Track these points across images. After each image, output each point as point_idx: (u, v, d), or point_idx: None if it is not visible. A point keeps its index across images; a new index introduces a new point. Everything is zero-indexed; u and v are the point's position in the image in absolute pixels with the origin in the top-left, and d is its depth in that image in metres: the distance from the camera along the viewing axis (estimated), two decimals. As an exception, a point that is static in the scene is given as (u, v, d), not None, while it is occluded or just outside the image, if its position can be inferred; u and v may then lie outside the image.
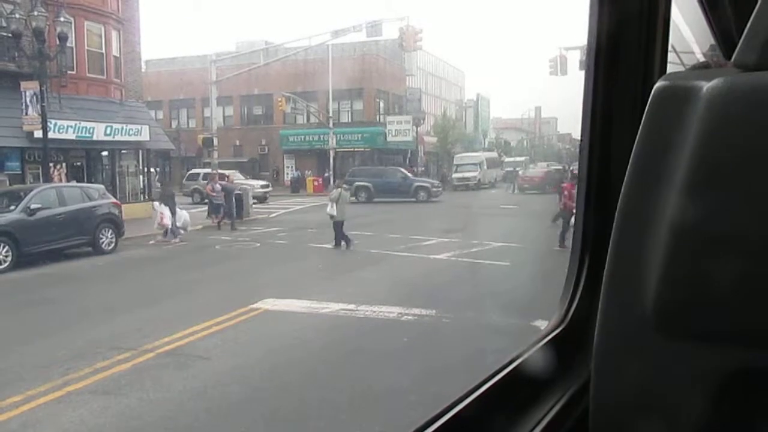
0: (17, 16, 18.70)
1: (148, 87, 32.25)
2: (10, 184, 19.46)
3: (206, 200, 24.55)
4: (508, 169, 45.67)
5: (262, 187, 33.33)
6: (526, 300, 9.36)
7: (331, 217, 16.25)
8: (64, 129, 21.10)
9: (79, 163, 23.15)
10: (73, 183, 19.66)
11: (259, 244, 17.63)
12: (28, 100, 19.97)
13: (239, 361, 7.53)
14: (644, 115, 0.88)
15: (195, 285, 12.20)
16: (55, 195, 16.12)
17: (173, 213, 18.50)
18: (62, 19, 19.54)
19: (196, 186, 32.41)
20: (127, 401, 6.27)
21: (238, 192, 23.31)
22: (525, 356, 1.36)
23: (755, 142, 0.76)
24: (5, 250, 13.95)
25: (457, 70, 62.56)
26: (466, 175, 39.07)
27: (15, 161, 20.95)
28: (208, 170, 30.32)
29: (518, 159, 51.81)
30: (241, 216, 22.71)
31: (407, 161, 43.81)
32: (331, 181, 39.05)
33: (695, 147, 0.80)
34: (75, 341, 8.19)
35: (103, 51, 23.68)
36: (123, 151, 24.72)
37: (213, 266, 14.81)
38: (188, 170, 41.59)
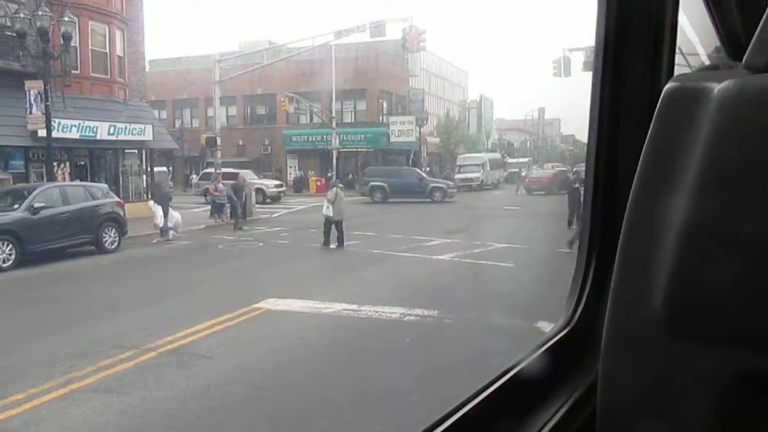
0: (22, 15, 18.72)
1: (151, 87, 32.29)
2: (14, 183, 19.51)
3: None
4: (512, 170, 45.70)
5: (276, 186, 33.32)
6: (529, 301, 9.35)
7: (327, 217, 16.29)
8: (68, 128, 21.13)
9: (82, 162, 23.18)
10: (77, 182, 19.70)
11: (261, 244, 17.65)
12: (32, 99, 20.02)
13: (242, 361, 7.54)
14: (654, 117, 0.88)
15: (198, 284, 12.22)
16: (59, 194, 16.14)
17: (165, 213, 18.56)
18: (66, 18, 19.58)
19: (209, 186, 32.27)
20: (129, 400, 6.27)
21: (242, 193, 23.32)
22: (532, 357, 1.35)
23: (766, 143, 0.76)
24: (9, 248, 13.98)
25: (460, 70, 62.58)
26: (469, 176, 39.07)
27: (19, 160, 20.99)
28: (226, 170, 30.32)
29: (521, 160, 51.85)
30: (244, 216, 22.72)
31: (410, 162, 43.82)
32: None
33: (706, 148, 0.79)
34: (78, 339, 8.21)
35: (107, 50, 23.71)
36: (126, 151, 24.74)
37: (216, 265, 14.82)
38: (191, 170, 41.66)
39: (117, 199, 17.91)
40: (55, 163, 20.24)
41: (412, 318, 9.11)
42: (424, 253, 14.98)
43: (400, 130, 43.02)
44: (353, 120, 43.68)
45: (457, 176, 39.78)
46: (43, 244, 14.62)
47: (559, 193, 31.44)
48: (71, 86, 21.63)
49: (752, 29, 0.82)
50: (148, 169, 26.07)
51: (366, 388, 6.47)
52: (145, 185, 25.64)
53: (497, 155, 49.73)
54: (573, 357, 1.41)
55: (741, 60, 0.85)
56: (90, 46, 23.05)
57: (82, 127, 21.81)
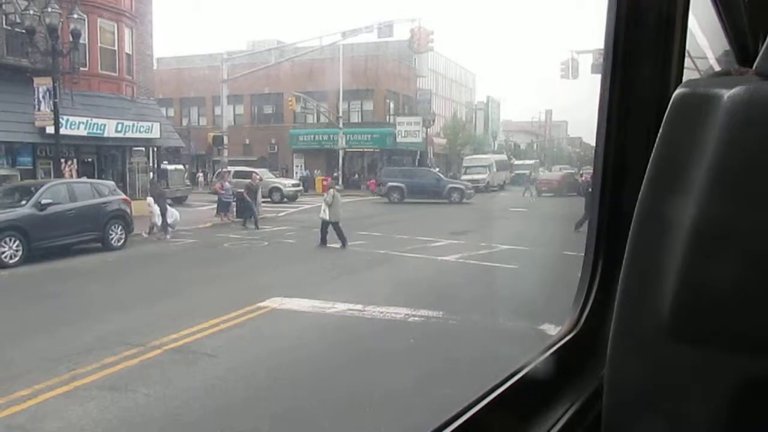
0: (31, 12, 18.81)
1: (159, 85, 32.40)
2: (21, 179, 19.61)
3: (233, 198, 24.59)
4: (518, 172, 45.63)
5: (293, 185, 33.30)
6: (533, 304, 9.33)
7: (324, 220, 16.33)
8: (76, 125, 21.23)
9: (90, 159, 23.28)
10: (84, 179, 19.77)
11: (267, 243, 17.67)
12: (40, 96, 20.12)
13: (245, 360, 7.55)
14: (663, 121, 0.88)
15: (203, 282, 12.24)
16: (66, 191, 16.20)
17: (164, 211, 18.62)
18: (75, 16, 19.68)
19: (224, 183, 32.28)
20: (133, 397, 6.29)
21: (240, 191, 23.35)
22: (537, 361, 1.35)
23: None
24: (16, 244, 14.04)
25: (467, 71, 62.53)
26: (475, 177, 39.02)
27: (27, 156, 21.11)
28: (243, 168, 30.35)
29: (527, 162, 51.74)
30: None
31: (416, 162, 43.82)
32: (340, 181, 39.17)
33: (715, 154, 0.79)
34: (83, 336, 8.23)
35: (116, 48, 23.81)
36: (134, 148, 24.83)
37: (221, 264, 14.85)
38: (198, 168, 41.76)
39: (124, 196, 17.96)
40: (62, 160, 20.33)
41: (416, 319, 9.10)
42: (430, 254, 14.97)
43: (407, 130, 43.02)
44: (360, 120, 43.69)
45: (464, 177, 39.72)
46: (49, 240, 14.69)
47: (568, 195, 31.61)
48: (79, 83, 21.75)
49: (761, 33, 0.82)
50: (155, 166, 26.17)
51: (370, 388, 6.46)
52: (150, 183, 25.73)
53: (504, 157, 49.67)
54: (579, 361, 1.41)
55: (749, 63, 0.84)
56: (99, 44, 23.15)
57: (90, 124, 21.90)
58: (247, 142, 44.01)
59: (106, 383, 6.60)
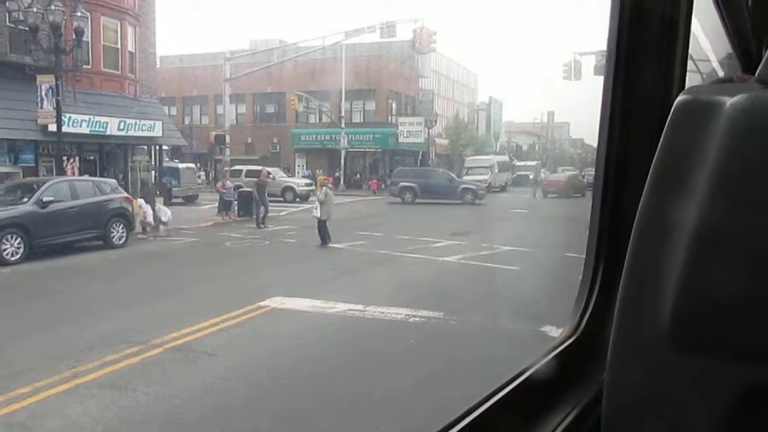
0: (35, 9, 18.83)
1: (162, 83, 32.39)
2: (23, 177, 19.62)
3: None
4: (520, 173, 45.61)
5: (306, 185, 33.27)
6: (534, 305, 9.32)
7: (317, 218, 16.35)
8: (78, 123, 21.23)
9: (92, 157, 23.28)
10: (86, 177, 19.77)
11: (268, 242, 17.68)
12: (43, 93, 20.12)
13: (245, 359, 7.55)
14: (665, 128, 0.87)
15: (204, 281, 12.25)
16: (68, 188, 16.21)
17: (154, 209, 18.65)
18: (79, 13, 19.67)
19: (238, 183, 32.24)
20: (134, 395, 6.30)
21: (249, 190, 23.37)
22: (538, 366, 1.35)
23: None
24: (17, 241, 14.06)
25: (470, 72, 62.50)
26: (477, 178, 38.97)
27: (29, 154, 21.11)
28: (254, 167, 30.28)
29: (530, 163, 51.70)
30: (251, 213, 22.75)
31: (418, 163, 43.81)
32: (342, 181, 39.19)
33: (717, 161, 0.79)
34: (84, 334, 8.24)
35: (119, 46, 23.82)
36: (136, 147, 24.85)
37: (222, 263, 14.85)
38: (199, 167, 41.77)
39: (125, 194, 17.98)
40: (64, 158, 20.34)
41: (417, 319, 9.10)
42: (431, 254, 14.97)
43: (409, 130, 42.99)
44: (362, 120, 43.67)
45: (465, 178, 39.68)
46: (51, 237, 14.70)
47: (573, 196, 31.73)
48: (82, 81, 21.74)
49: (764, 38, 0.82)
50: (157, 164, 26.19)
51: (370, 388, 6.46)
52: (153, 181, 25.77)
53: (506, 158, 49.60)
54: (579, 365, 1.40)
55: (752, 68, 0.84)
56: (102, 42, 23.16)
57: (93, 122, 21.91)
58: (249, 141, 44.00)
59: (106, 381, 6.60)
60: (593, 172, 1.81)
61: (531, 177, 41.69)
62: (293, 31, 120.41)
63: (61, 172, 19.61)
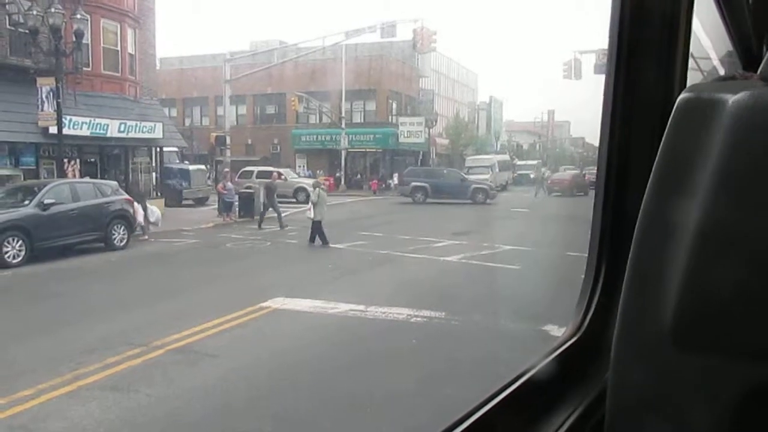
0: (34, 12, 18.84)
1: (162, 85, 32.42)
2: (24, 179, 19.63)
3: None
4: (521, 172, 45.60)
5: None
6: (536, 304, 9.32)
7: (311, 219, 16.36)
8: (79, 125, 21.25)
9: (92, 160, 23.30)
10: (87, 179, 19.80)
11: (269, 243, 17.69)
12: (43, 96, 20.14)
13: (247, 360, 7.55)
14: (668, 126, 0.87)
15: (205, 282, 12.25)
16: (69, 190, 16.22)
17: (144, 210, 18.67)
18: (79, 16, 19.67)
19: (249, 184, 32.20)
20: (136, 397, 6.30)
21: (250, 191, 23.35)
22: (541, 365, 1.34)
23: None
24: (19, 244, 14.07)
25: (470, 71, 62.56)
26: (478, 177, 39.00)
27: (30, 156, 21.13)
28: (266, 168, 30.20)
29: (531, 162, 51.71)
30: (252, 215, 22.76)
31: (419, 163, 43.81)
32: (342, 182, 39.19)
33: (720, 158, 0.78)
34: (86, 336, 8.25)
35: (119, 48, 23.83)
36: (137, 148, 24.87)
37: (223, 264, 14.86)
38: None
39: (126, 196, 17.98)
40: (65, 160, 20.36)
41: (418, 319, 9.10)
42: (432, 254, 14.97)
43: (410, 130, 43.01)
44: (362, 120, 43.70)
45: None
46: (52, 240, 14.71)
47: (577, 195, 31.83)
48: (82, 83, 21.76)
49: (765, 35, 0.82)
50: (158, 166, 26.20)
51: (372, 389, 6.46)
52: (154, 183, 25.78)
53: (506, 157, 49.63)
54: (582, 365, 1.40)
55: (754, 66, 0.84)
56: (102, 44, 23.17)
57: (93, 124, 21.93)
58: (250, 142, 44.04)
59: (108, 383, 6.61)
60: (594, 171, 1.81)
61: (532, 176, 41.72)
62: (293, 31, 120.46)
63: (62, 174, 19.62)
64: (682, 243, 0.82)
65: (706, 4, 2.02)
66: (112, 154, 24.14)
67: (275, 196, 21.45)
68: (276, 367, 7.26)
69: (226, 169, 28.88)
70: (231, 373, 7.04)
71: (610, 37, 1.51)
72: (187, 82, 44.15)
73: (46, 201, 15.00)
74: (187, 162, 31.57)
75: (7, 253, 13.79)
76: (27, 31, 19.26)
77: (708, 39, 2.80)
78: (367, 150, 43.00)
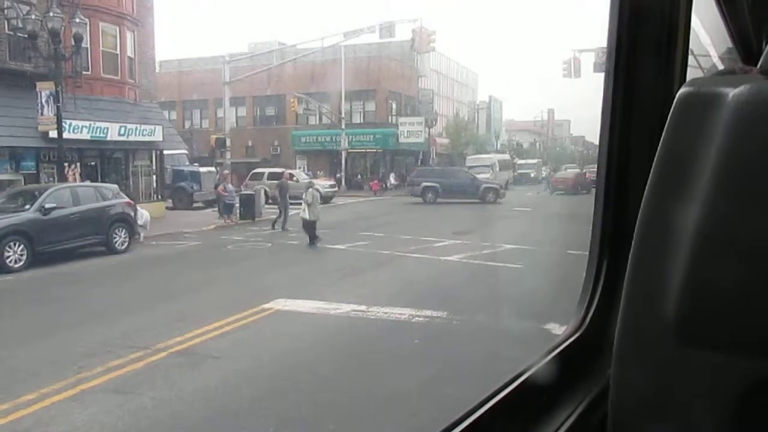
0: (33, 17, 18.85)
1: (161, 88, 32.42)
2: (25, 184, 19.65)
3: (270, 200, 24.59)
4: (521, 171, 45.60)
5: (330, 186, 33.06)
6: (538, 303, 9.31)
7: (305, 220, 16.37)
8: (79, 129, 21.27)
9: (93, 163, 23.33)
10: (87, 183, 19.81)
11: (270, 244, 17.69)
12: (43, 100, 20.16)
13: (250, 362, 7.55)
14: (668, 121, 0.87)
15: (207, 284, 12.25)
16: (70, 194, 16.23)
17: (134, 212, 18.69)
18: (77, 20, 19.70)
19: (259, 185, 32.07)
20: (139, 400, 6.30)
21: (251, 193, 23.35)
22: (543, 362, 1.35)
23: None
24: (20, 249, 14.08)
25: (469, 71, 62.51)
26: (479, 176, 38.98)
27: (30, 161, 21.14)
28: (276, 170, 30.01)
29: (531, 161, 51.70)
30: (253, 216, 22.77)
31: (419, 163, 43.81)
32: (343, 182, 39.18)
33: (721, 153, 0.78)
34: (89, 340, 8.24)
35: (118, 52, 23.85)
36: (137, 152, 24.88)
37: (225, 266, 14.86)
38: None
39: (127, 199, 17.99)
40: (66, 164, 20.37)
41: (420, 319, 9.10)
42: (434, 254, 14.96)
43: (410, 130, 43.01)
44: (362, 121, 43.71)
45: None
46: (54, 244, 14.72)
47: (580, 192, 31.91)
48: (82, 87, 21.79)
49: (764, 31, 0.82)
50: (159, 169, 26.22)
51: (374, 390, 6.46)
52: (155, 186, 25.78)
53: (506, 156, 49.61)
54: (584, 362, 1.40)
55: (753, 61, 0.84)
56: (101, 48, 23.20)
57: (93, 128, 21.95)
58: (250, 144, 44.06)
59: (111, 386, 6.61)
60: (595, 169, 1.81)
61: (533, 175, 41.69)
62: (292, 32, 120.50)
63: (63, 178, 19.62)
64: (683, 238, 0.82)
65: (705, 1, 2.02)
66: (112, 158, 24.16)
67: (287, 197, 21.32)
68: (278, 368, 7.27)
69: (226, 171, 28.88)
70: (233, 375, 7.04)
71: (609, 35, 1.51)
72: (187, 85, 44.17)
73: (47, 205, 15.01)
74: (196, 164, 31.48)
75: (8, 257, 13.81)
76: (26, 36, 19.28)
77: (707, 36, 2.80)
78: (367, 150, 43.00)
